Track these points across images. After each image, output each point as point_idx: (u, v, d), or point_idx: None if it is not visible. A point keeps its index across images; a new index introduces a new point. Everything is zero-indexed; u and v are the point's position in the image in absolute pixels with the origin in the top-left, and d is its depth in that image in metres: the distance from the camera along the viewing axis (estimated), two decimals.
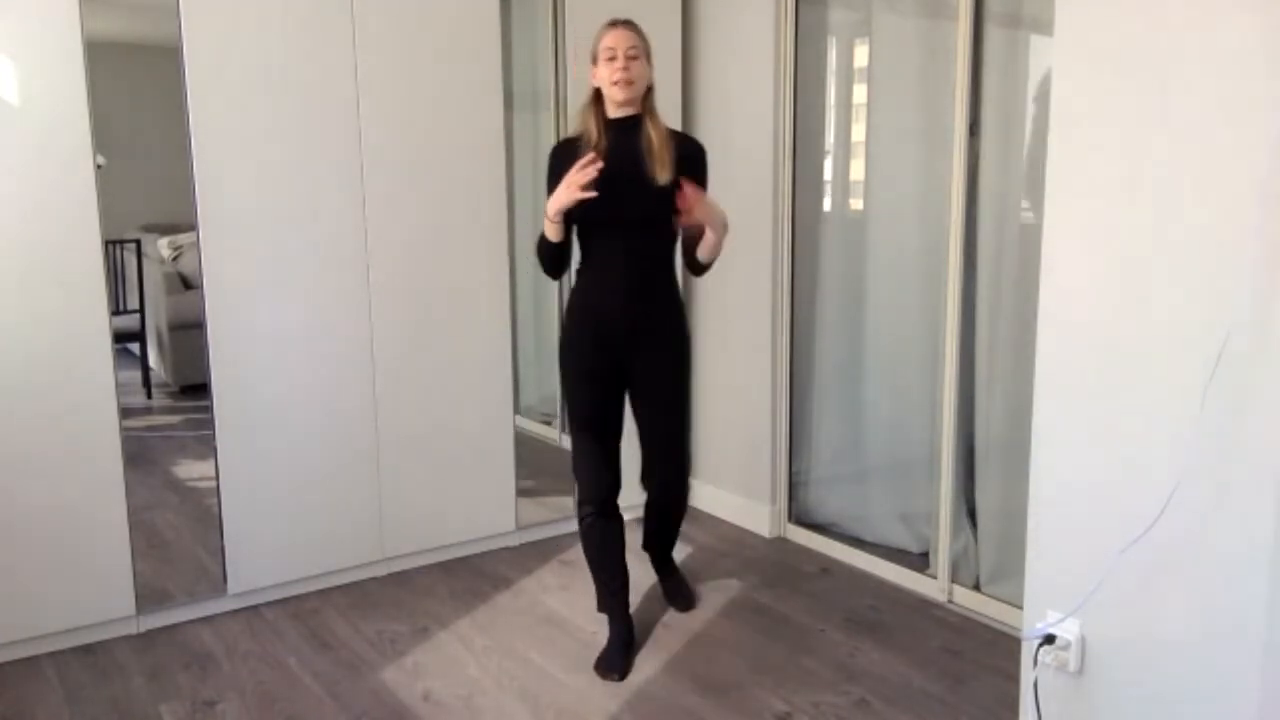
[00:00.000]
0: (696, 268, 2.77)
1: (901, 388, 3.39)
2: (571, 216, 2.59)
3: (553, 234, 2.58)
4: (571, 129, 2.75)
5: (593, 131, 2.61)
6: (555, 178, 2.59)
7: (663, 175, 2.57)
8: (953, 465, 3.15)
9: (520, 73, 3.60)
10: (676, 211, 2.56)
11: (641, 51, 2.60)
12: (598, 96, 2.64)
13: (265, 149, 3.01)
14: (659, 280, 2.71)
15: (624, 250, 2.64)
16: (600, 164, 2.46)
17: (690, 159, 2.65)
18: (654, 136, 2.59)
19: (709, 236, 2.64)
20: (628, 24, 2.62)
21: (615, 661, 2.77)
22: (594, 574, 2.88)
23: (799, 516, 3.78)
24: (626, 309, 2.66)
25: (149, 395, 3.22)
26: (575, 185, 2.46)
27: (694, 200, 2.52)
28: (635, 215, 2.61)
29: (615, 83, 2.56)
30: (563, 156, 2.62)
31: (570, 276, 2.81)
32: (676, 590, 3.19)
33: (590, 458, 2.75)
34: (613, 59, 2.56)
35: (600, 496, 2.77)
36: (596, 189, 2.47)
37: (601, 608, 2.90)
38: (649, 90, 2.64)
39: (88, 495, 2.86)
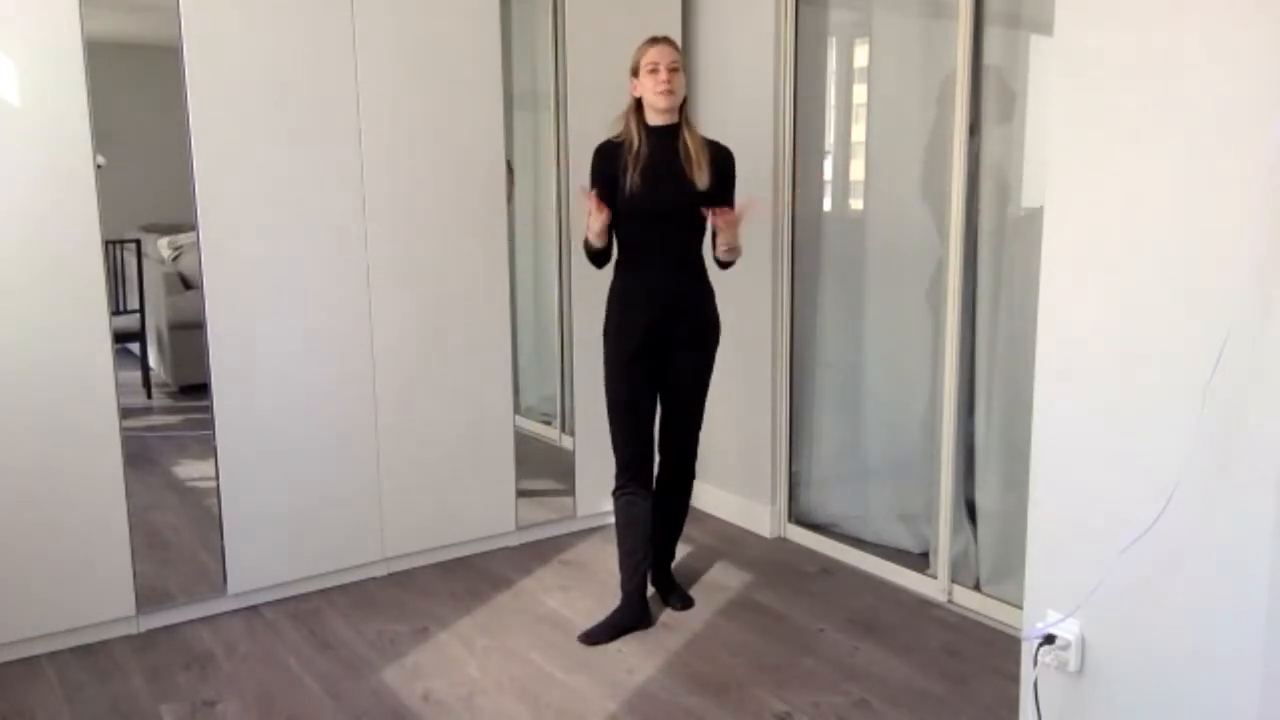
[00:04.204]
0: (723, 263, 3.00)
1: (901, 388, 3.39)
2: (616, 213, 2.85)
3: (598, 243, 2.87)
4: (612, 132, 2.94)
5: (634, 138, 2.86)
6: (598, 175, 2.88)
7: (701, 181, 2.85)
8: (953, 465, 3.15)
9: (520, 73, 3.60)
10: (712, 212, 2.84)
11: (680, 65, 2.86)
12: (638, 105, 2.88)
13: (265, 149, 3.01)
14: (694, 271, 2.95)
15: (664, 244, 2.89)
16: (599, 206, 2.78)
17: (722, 164, 2.92)
18: (691, 144, 2.87)
19: (725, 240, 2.88)
20: (668, 40, 2.87)
21: (597, 633, 2.96)
22: (621, 549, 3.04)
23: (799, 516, 3.78)
24: (668, 296, 2.91)
25: (149, 395, 3.21)
26: (595, 219, 2.79)
27: (734, 219, 2.82)
28: (674, 212, 2.85)
29: (659, 93, 2.80)
30: (607, 157, 2.89)
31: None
32: (672, 590, 3.21)
33: (632, 435, 2.96)
34: (655, 72, 2.81)
35: (641, 471, 2.99)
36: (640, 190, 2.81)
37: (622, 586, 3.05)
38: (684, 100, 2.90)
39: (88, 495, 2.86)
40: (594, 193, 2.80)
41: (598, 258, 2.93)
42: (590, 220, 2.82)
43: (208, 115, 2.92)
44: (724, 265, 2.99)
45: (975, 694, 2.64)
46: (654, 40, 2.86)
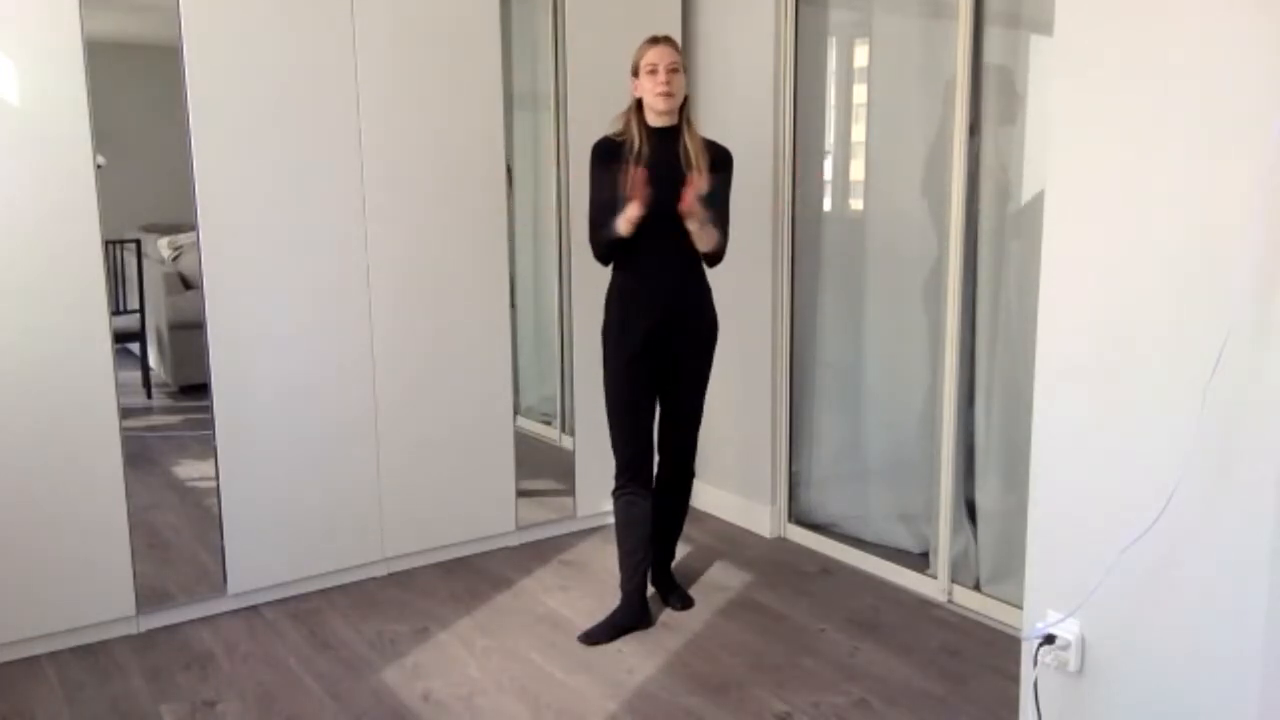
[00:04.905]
0: (707, 259, 2.97)
1: (901, 387, 3.39)
2: (616, 214, 2.81)
3: (627, 232, 2.78)
4: (612, 130, 2.93)
5: (635, 138, 2.84)
6: (600, 172, 2.86)
7: (701, 184, 2.80)
8: (953, 465, 3.15)
9: (520, 73, 3.60)
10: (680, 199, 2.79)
11: (680, 66, 2.84)
12: (639, 105, 2.87)
13: (265, 149, 3.01)
14: (693, 272, 2.95)
15: (664, 246, 2.86)
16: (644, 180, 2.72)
17: (720, 164, 2.92)
18: (691, 147, 2.85)
19: (693, 228, 2.82)
20: (668, 40, 2.85)
21: (596, 633, 2.97)
22: (621, 549, 3.05)
23: (799, 516, 3.78)
24: (669, 297, 2.91)
25: (149, 395, 3.22)
26: (634, 208, 2.73)
27: (693, 199, 2.76)
28: (675, 214, 2.80)
29: (659, 95, 2.79)
30: (609, 152, 2.87)
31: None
32: (672, 590, 3.21)
33: (632, 435, 2.96)
34: (654, 73, 2.80)
35: (641, 471, 2.99)
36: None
37: (621, 586, 3.06)
38: (685, 100, 2.88)
39: (88, 495, 2.86)
40: (643, 172, 2.72)
41: (614, 251, 2.87)
42: (630, 209, 2.74)
43: (208, 115, 2.92)
44: (709, 260, 2.94)
45: (975, 694, 2.64)
46: (654, 40, 2.85)
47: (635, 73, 2.86)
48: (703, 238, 2.84)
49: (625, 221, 2.77)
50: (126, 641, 2.95)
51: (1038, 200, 2.85)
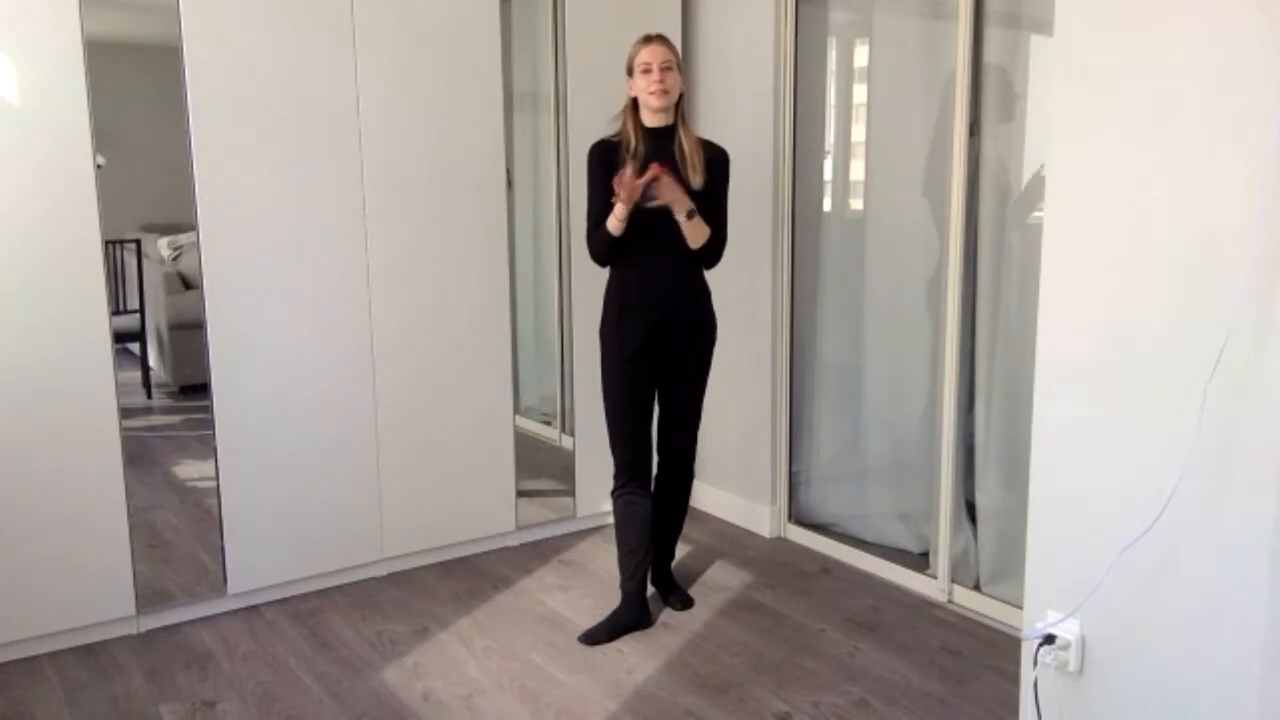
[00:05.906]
0: (704, 259, 2.94)
1: (901, 388, 3.39)
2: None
3: (618, 231, 2.81)
4: (608, 131, 2.93)
5: (631, 138, 2.85)
6: (598, 174, 2.86)
7: (695, 180, 2.83)
8: (953, 465, 3.15)
9: (520, 73, 3.60)
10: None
11: (674, 64, 2.83)
12: (634, 105, 2.87)
13: (265, 149, 3.01)
14: (691, 271, 2.94)
15: (662, 245, 2.86)
16: (647, 175, 2.73)
17: (716, 164, 2.91)
18: (686, 144, 2.85)
19: (680, 220, 2.81)
20: (661, 39, 2.85)
21: (597, 633, 2.97)
22: (621, 549, 3.04)
23: (799, 516, 3.78)
24: (666, 297, 2.90)
25: (149, 395, 3.21)
26: (621, 206, 2.75)
27: (664, 184, 2.76)
28: (673, 215, 2.81)
29: (652, 93, 2.79)
30: (605, 155, 2.88)
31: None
32: (672, 590, 3.21)
33: (631, 435, 2.96)
34: (648, 72, 2.80)
35: (640, 471, 2.99)
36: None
37: (621, 586, 3.05)
38: (680, 98, 2.88)
39: (88, 495, 2.86)
40: (631, 175, 2.71)
41: (612, 252, 2.86)
42: (618, 208, 2.76)
43: (208, 115, 2.92)
44: (706, 259, 2.92)
45: (975, 694, 2.64)
46: (647, 39, 2.84)
47: (630, 72, 2.86)
48: (690, 231, 2.82)
49: (614, 219, 2.79)
50: (126, 641, 2.95)
51: (1038, 202, 2.85)
